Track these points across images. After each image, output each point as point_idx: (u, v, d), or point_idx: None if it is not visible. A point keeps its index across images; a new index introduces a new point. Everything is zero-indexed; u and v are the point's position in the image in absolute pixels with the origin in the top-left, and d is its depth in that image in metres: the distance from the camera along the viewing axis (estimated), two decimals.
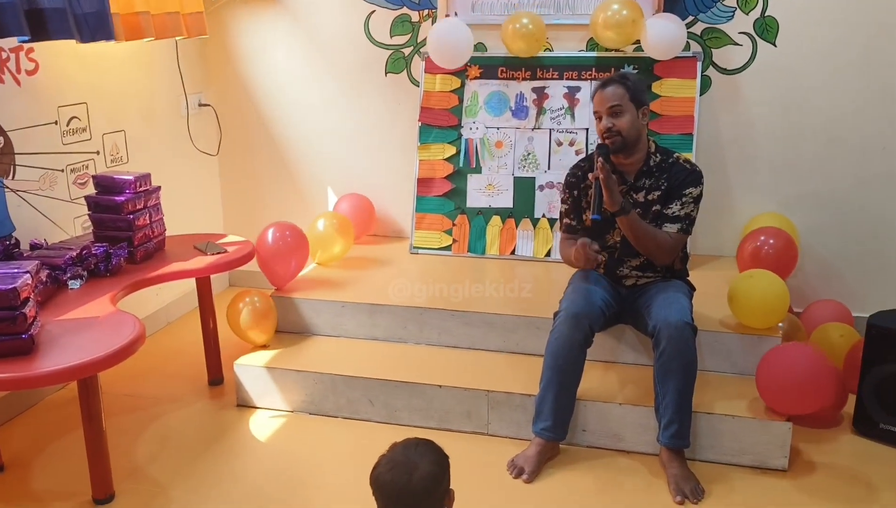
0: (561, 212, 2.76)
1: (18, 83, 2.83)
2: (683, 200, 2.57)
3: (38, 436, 2.76)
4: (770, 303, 2.69)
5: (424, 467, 1.47)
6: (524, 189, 3.57)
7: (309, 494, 2.41)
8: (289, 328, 3.16)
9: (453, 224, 3.63)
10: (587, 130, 3.50)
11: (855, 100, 3.27)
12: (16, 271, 2.13)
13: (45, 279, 2.46)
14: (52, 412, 2.94)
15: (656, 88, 3.41)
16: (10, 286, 2.02)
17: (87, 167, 3.17)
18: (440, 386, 2.74)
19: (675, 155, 2.63)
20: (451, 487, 1.54)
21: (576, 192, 2.69)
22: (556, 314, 2.60)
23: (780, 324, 2.81)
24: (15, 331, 2.03)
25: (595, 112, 2.59)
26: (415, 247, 3.65)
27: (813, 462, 2.55)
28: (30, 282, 2.12)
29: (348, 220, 3.57)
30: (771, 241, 3.08)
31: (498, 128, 3.61)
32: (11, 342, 2.03)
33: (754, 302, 2.70)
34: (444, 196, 3.65)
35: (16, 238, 2.72)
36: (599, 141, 2.58)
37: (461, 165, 3.63)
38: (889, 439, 2.65)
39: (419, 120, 3.67)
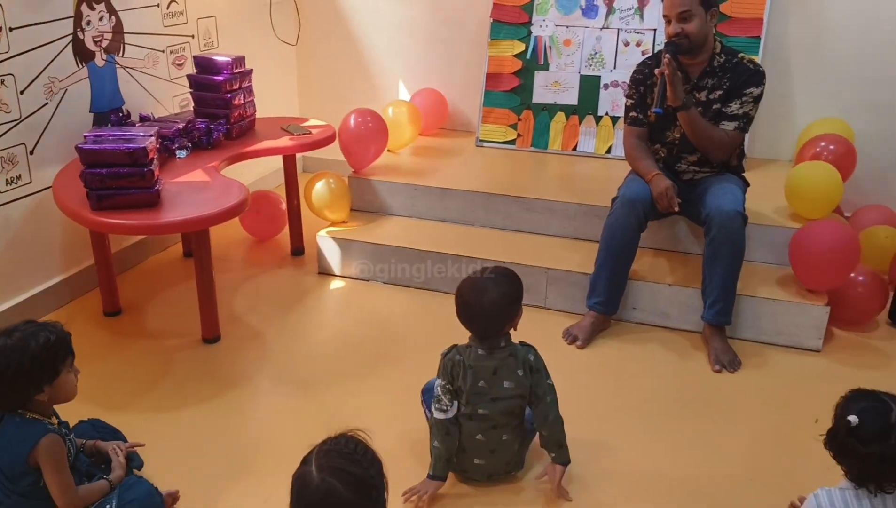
0: (626, 106, 2.92)
1: None
2: (743, 98, 2.70)
3: (147, 288, 3.13)
4: (823, 191, 2.86)
5: (492, 295, 1.87)
6: (589, 87, 3.71)
7: (389, 344, 2.75)
8: (364, 208, 3.44)
9: (519, 119, 3.81)
10: (655, 31, 3.59)
11: None
12: (142, 134, 2.42)
13: (157, 147, 2.76)
14: (157, 269, 3.30)
15: None
16: (141, 146, 2.31)
17: (183, 49, 3.42)
18: (504, 262, 3.00)
19: (739, 55, 2.74)
20: (521, 310, 1.94)
21: (642, 88, 2.84)
22: (613, 200, 2.81)
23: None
24: (144, 185, 2.35)
25: (665, 15, 2.70)
26: (481, 140, 3.86)
27: (845, 346, 2.77)
28: (155, 144, 2.42)
29: (416, 108, 3.78)
30: (831, 147, 3.17)
31: (567, 26, 3.73)
32: (142, 194, 2.35)
33: (807, 189, 2.88)
34: (511, 91, 3.81)
35: (127, 110, 3.02)
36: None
37: (529, 61, 3.78)
38: None
39: (491, 16, 3.80)
